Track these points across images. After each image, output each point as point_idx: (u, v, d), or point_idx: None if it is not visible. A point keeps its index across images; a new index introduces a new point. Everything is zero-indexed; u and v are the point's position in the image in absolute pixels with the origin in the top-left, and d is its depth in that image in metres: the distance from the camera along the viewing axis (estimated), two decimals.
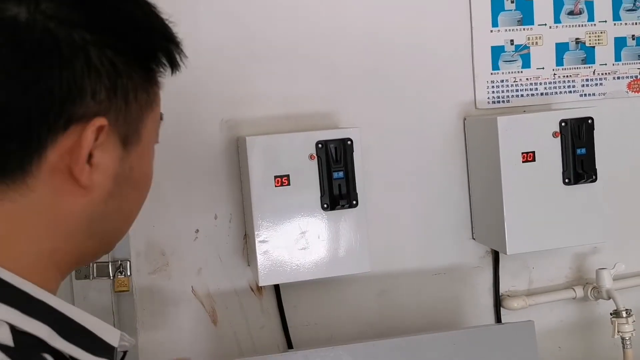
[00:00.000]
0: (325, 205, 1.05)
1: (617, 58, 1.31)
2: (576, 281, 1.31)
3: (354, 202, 1.06)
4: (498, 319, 1.27)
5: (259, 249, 1.04)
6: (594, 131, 1.14)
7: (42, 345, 0.45)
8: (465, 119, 1.25)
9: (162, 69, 0.52)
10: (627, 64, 1.32)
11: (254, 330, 1.19)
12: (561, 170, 1.13)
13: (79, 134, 0.46)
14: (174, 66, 0.52)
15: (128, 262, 1.11)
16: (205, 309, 1.18)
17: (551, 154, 1.12)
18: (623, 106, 1.32)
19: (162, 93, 0.54)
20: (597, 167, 1.14)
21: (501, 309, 1.28)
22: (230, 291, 1.18)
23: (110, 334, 0.51)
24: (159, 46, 0.51)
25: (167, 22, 0.52)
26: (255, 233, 1.03)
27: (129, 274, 1.11)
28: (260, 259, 1.04)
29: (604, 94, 1.31)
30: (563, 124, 1.12)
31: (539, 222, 1.13)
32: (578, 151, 1.13)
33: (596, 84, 1.31)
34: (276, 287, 1.18)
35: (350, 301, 1.23)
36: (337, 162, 1.04)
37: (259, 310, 1.19)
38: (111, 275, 1.09)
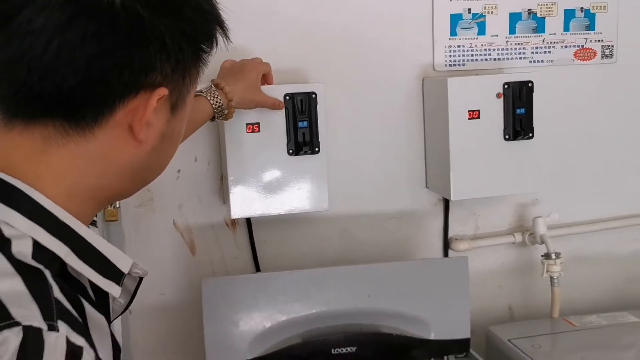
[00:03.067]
0: (290, 151, 1.19)
1: (566, 28, 1.44)
2: (517, 228, 1.47)
3: (316, 149, 1.20)
4: None
5: (232, 186, 1.19)
6: (534, 94, 1.28)
7: (57, 262, 0.55)
8: (424, 80, 1.38)
9: (210, 50, 0.63)
10: (575, 34, 1.45)
11: (228, 260, 1.35)
12: (502, 127, 1.27)
13: (145, 99, 0.57)
14: (217, 46, 0.63)
15: None
16: (185, 240, 1.33)
17: (494, 112, 1.27)
18: (569, 72, 1.45)
19: None
20: (534, 125, 1.28)
21: (449, 250, 1.45)
22: (207, 225, 1.34)
23: (122, 261, 0.61)
24: (215, 33, 0.62)
25: (221, 11, 0.62)
26: (229, 172, 1.18)
27: (117, 206, 1.26)
28: (232, 195, 1.19)
29: (551, 61, 1.44)
30: (506, 86, 1.26)
31: (481, 172, 1.28)
32: (518, 111, 1.27)
33: (545, 52, 1.44)
34: (248, 224, 1.33)
35: (314, 238, 1.39)
36: (302, 113, 1.19)
37: (233, 243, 1.35)
38: None
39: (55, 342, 0.49)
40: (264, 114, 1.17)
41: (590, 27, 1.45)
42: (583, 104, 1.47)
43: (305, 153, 1.19)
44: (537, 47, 1.43)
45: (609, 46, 1.46)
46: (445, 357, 1.21)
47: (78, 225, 0.58)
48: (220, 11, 0.63)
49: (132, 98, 0.56)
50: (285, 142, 1.19)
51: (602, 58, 1.46)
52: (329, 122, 1.28)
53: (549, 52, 1.44)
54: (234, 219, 1.33)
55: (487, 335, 1.34)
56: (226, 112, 1.06)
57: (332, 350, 1.13)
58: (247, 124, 1.17)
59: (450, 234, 1.45)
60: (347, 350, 1.14)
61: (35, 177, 0.56)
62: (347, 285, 1.18)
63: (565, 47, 1.45)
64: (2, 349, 0.47)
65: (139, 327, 1.32)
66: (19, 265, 0.52)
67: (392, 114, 1.38)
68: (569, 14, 1.44)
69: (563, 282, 1.44)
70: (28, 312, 0.49)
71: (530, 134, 1.28)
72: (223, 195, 1.32)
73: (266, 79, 1.16)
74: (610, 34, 1.46)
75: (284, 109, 1.18)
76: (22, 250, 0.53)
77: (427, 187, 1.41)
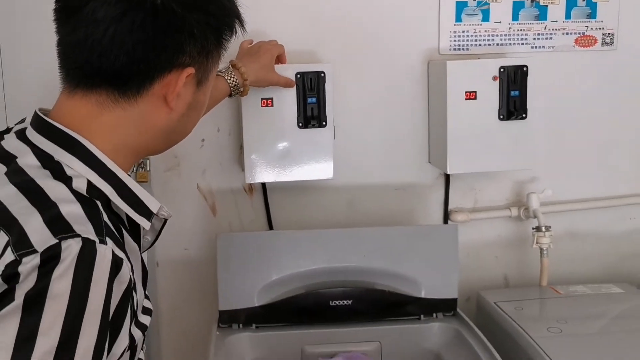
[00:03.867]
0: (300, 124, 1.33)
1: (568, 16, 1.53)
2: (514, 204, 1.58)
3: (324, 123, 1.34)
4: None
5: (247, 154, 1.33)
6: (528, 77, 1.38)
7: (103, 198, 0.72)
8: (429, 62, 1.49)
9: (230, 37, 0.79)
10: (576, 22, 1.53)
11: (245, 222, 1.50)
12: (497, 108, 1.38)
13: (177, 76, 0.73)
14: (236, 34, 0.80)
15: (148, 160, 1.43)
16: (207, 202, 1.49)
17: (490, 94, 1.37)
18: (569, 58, 1.54)
19: None
20: (527, 107, 1.38)
21: (449, 221, 1.56)
22: (227, 190, 1.49)
23: (152, 204, 0.78)
24: (234, 25, 0.78)
25: (239, 6, 0.79)
26: (245, 142, 1.33)
27: (148, 169, 1.43)
28: (247, 162, 1.34)
29: (553, 47, 1.53)
30: (502, 69, 1.37)
31: (476, 148, 1.39)
32: (512, 93, 1.37)
33: (546, 38, 1.53)
34: (264, 190, 1.48)
35: (324, 206, 1.52)
36: (311, 90, 1.32)
37: (250, 206, 1.50)
38: (134, 169, 1.41)
39: (104, 252, 0.65)
40: (277, 90, 1.31)
41: (592, 15, 1.53)
42: (582, 89, 1.56)
43: (313, 126, 1.33)
44: (538, 34, 1.52)
45: (609, 34, 1.54)
46: (434, 315, 1.34)
47: (120, 172, 0.75)
48: (238, 7, 0.79)
49: (166, 74, 0.73)
50: (296, 115, 1.33)
51: (602, 45, 1.55)
52: (340, 100, 1.42)
53: (550, 38, 1.53)
54: (251, 185, 1.48)
55: (477, 299, 1.46)
56: (242, 89, 1.20)
57: (330, 302, 1.28)
58: (262, 99, 1.31)
59: (451, 206, 1.57)
60: (343, 302, 1.28)
61: (90, 133, 0.73)
62: (347, 246, 1.32)
63: (567, 34, 1.53)
64: (66, 252, 0.63)
65: (165, 278, 1.49)
66: (78, 196, 0.69)
67: (399, 94, 1.50)
68: (571, 3, 1.52)
69: (558, 256, 1.55)
70: (85, 228, 0.65)
71: (524, 115, 1.38)
72: (242, 163, 1.46)
73: (280, 59, 1.30)
74: (611, 23, 1.54)
75: (295, 87, 1.31)
76: (80, 186, 0.70)
77: (430, 162, 1.53)
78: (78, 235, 0.64)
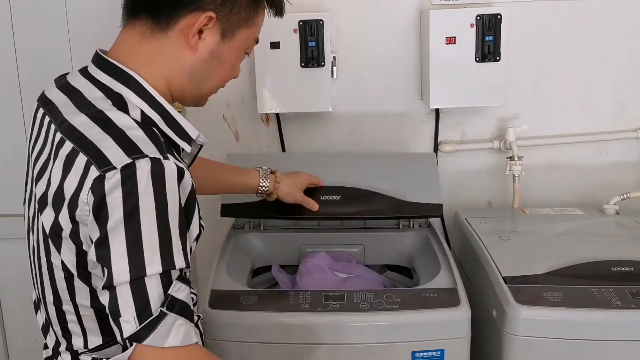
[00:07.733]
0: (302, 64, 1.60)
1: None
2: (497, 137, 1.80)
3: (322, 63, 1.60)
4: None
5: (259, 88, 1.62)
6: (502, 24, 1.57)
7: (155, 124, 0.86)
8: (421, 12, 1.71)
9: (267, 8, 0.95)
10: None
11: (262, 147, 1.80)
12: (474, 51, 1.59)
13: (198, 16, 0.87)
14: (278, 13, 0.99)
15: None
16: (231, 130, 1.80)
17: (467, 39, 1.58)
18: (555, 7, 1.71)
19: None
20: (501, 50, 1.59)
21: (438, 152, 1.80)
22: (248, 120, 1.79)
23: (192, 131, 0.93)
24: None
25: None
26: (257, 78, 1.62)
27: None
28: (259, 95, 1.62)
29: None
30: (478, 18, 1.57)
31: (454, 86, 1.62)
32: (487, 38, 1.58)
33: None
34: (278, 120, 1.77)
35: (330, 135, 1.79)
36: (312, 35, 1.58)
37: (267, 134, 1.80)
38: None
39: (170, 166, 0.80)
40: (284, 34, 1.58)
41: None
42: (561, 35, 1.73)
43: (313, 66, 1.59)
44: None
45: None
46: (411, 225, 1.60)
47: (165, 104, 0.91)
48: None
49: (191, 12, 0.89)
50: (299, 57, 1.59)
51: None
52: (342, 44, 1.67)
53: None
54: (267, 115, 1.77)
55: (454, 216, 1.71)
56: (269, 193, 1.41)
57: (321, 196, 1.51)
58: (271, 43, 1.59)
59: (440, 138, 1.80)
60: (332, 197, 1.53)
61: (136, 62, 0.91)
62: (339, 165, 1.59)
63: None
64: (140, 171, 0.78)
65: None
66: (137, 123, 0.85)
67: (395, 39, 1.73)
68: None
69: (537, 186, 1.78)
70: (150, 149, 0.81)
71: (498, 58, 1.59)
72: None
73: (317, 183, 1.51)
74: None
75: (298, 32, 1.58)
76: (135, 115, 0.87)
77: (421, 99, 1.77)
78: (147, 156, 0.79)
